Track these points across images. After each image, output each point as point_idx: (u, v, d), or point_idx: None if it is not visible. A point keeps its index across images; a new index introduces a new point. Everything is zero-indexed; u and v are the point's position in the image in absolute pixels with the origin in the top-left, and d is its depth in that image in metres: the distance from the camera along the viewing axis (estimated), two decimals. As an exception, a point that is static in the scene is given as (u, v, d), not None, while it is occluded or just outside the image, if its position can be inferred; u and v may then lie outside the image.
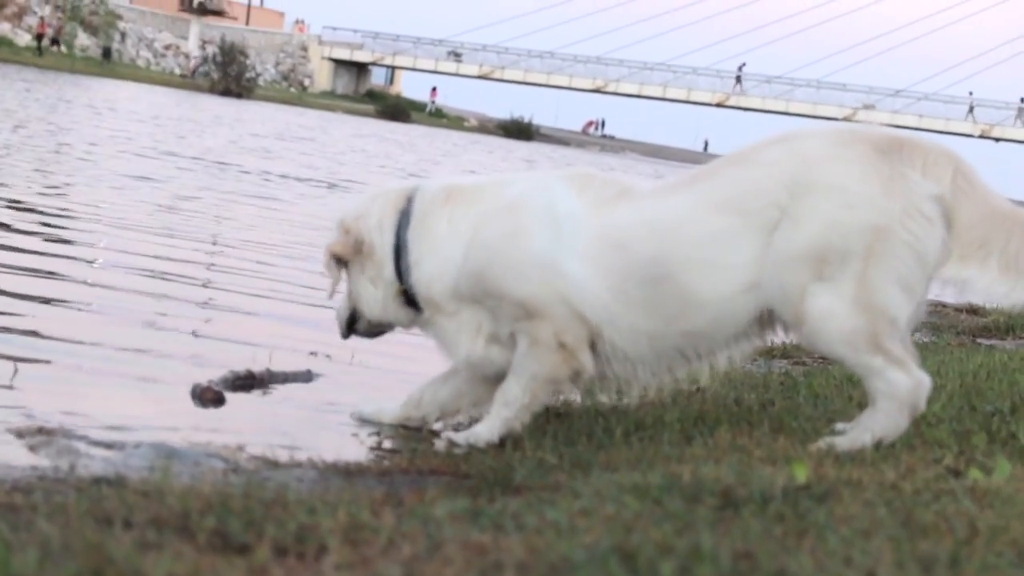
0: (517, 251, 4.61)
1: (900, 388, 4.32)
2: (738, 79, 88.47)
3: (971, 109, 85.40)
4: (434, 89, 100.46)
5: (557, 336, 4.58)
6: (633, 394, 4.87)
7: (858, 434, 4.35)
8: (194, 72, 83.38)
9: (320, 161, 25.70)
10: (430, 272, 4.79)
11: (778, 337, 4.74)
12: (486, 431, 4.72)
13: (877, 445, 4.28)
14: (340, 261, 4.91)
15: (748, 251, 4.39)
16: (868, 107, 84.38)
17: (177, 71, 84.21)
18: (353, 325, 5.05)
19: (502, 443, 4.60)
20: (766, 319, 4.52)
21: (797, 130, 4.55)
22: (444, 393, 5.03)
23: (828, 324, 4.31)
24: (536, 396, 4.69)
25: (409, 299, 4.88)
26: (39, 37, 75.20)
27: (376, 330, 5.08)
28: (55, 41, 75.96)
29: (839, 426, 4.56)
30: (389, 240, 4.86)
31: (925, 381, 4.38)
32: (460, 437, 4.73)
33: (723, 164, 4.56)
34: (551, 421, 4.96)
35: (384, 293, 4.89)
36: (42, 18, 76.59)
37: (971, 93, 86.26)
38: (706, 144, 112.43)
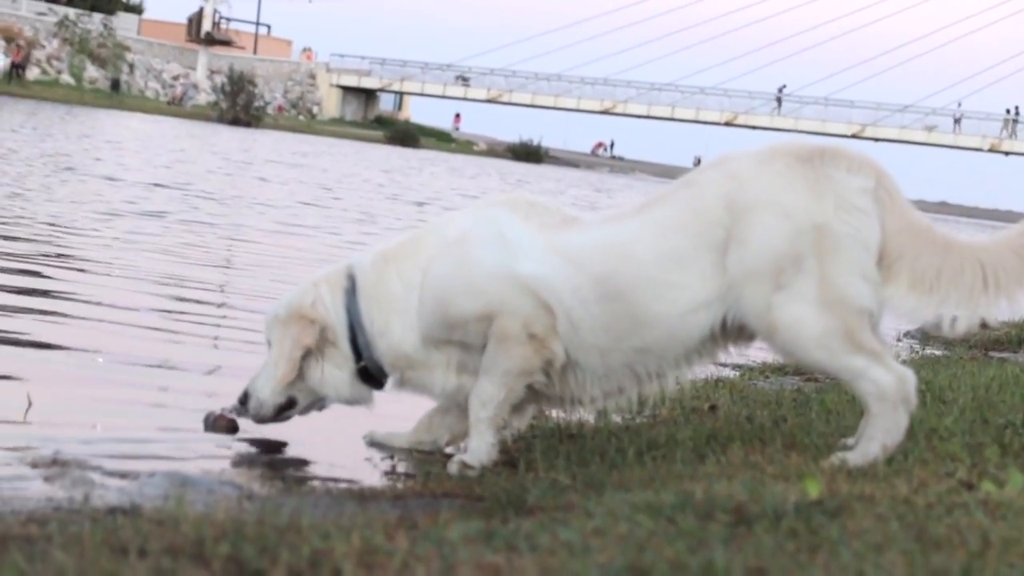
0: (469, 275, 4.72)
1: (887, 386, 4.38)
2: (779, 100, 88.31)
3: (957, 121, 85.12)
4: (458, 115, 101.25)
5: (527, 327, 4.65)
6: (582, 412, 4.99)
7: (865, 445, 4.38)
8: (180, 99, 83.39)
9: (332, 191, 25.74)
10: (400, 333, 4.88)
11: (729, 357, 4.78)
12: (477, 441, 4.76)
13: (890, 460, 4.28)
14: (307, 352, 4.96)
15: (697, 271, 4.52)
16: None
17: (186, 102, 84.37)
18: (284, 411, 5.07)
19: (515, 464, 4.62)
20: (717, 338, 4.61)
21: (730, 152, 4.68)
22: (451, 416, 5.08)
23: (800, 330, 4.39)
24: (512, 390, 4.73)
25: (366, 375, 4.98)
26: (15, 66, 74.67)
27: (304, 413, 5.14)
28: (21, 67, 75.11)
29: (848, 441, 4.56)
30: (343, 320, 4.95)
31: (908, 374, 4.44)
32: (466, 458, 4.74)
33: (674, 187, 4.70)
34: (564, 442, 4.98)
35: (349, 374, 4.98)
36: (18, 46, 76.12)
37: (959, 104, 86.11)
38: (698, 161, 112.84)
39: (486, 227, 4.77)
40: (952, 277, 4.44)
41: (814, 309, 4.37)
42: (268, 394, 5.01)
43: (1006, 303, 4.47)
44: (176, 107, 79.79)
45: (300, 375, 4.98)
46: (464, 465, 4.69)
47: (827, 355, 4.41)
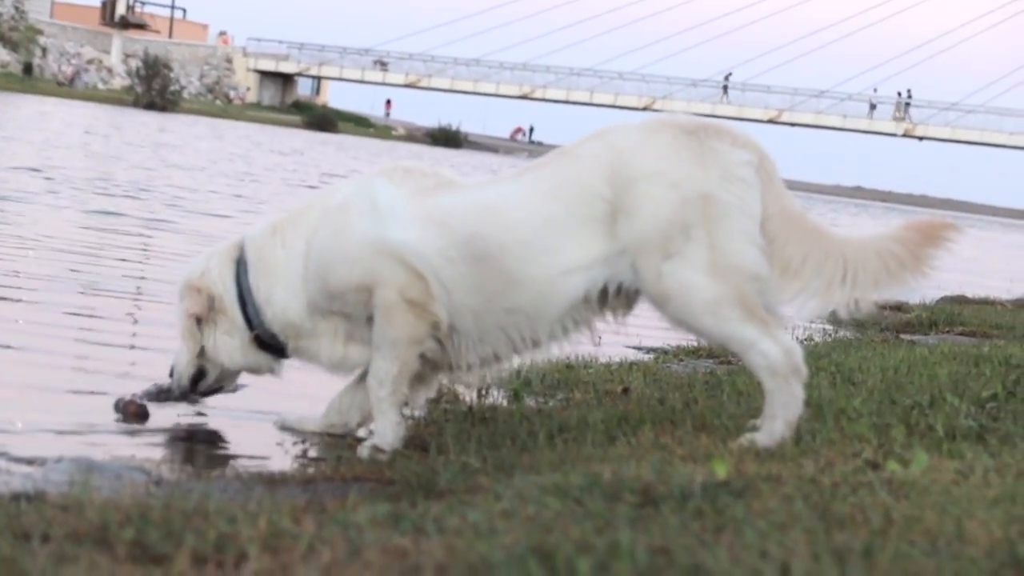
0: (344, 243, 4.79)
1: (775, 359, 4.43)
2: (724, 88, 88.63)
3: (873, 107, 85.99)
4: (388, 101, 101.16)
5: (403, 294, 4.69)
6: (465, 379, 5.08)
7: (770, 425, 4.43)
8: (72, 80, 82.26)
9: (236, 172, 25.58)
10: (283, 301, 4.96)
11: (609, 324, 4.79)
12: (381, 423, 4.79)
13: (798, 440, 4.33)
14: (199, 321, 5.04)
15: (572, 237, 4.56)
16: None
17: (100, 86, 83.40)
18: (197, 383, 5.14)
19: (426, 448, 4.61)
20: (594, 304, 4.65)
21: (612, 125, 4.73)
22: (360, 396, 5.06)
23: (691, 296, 4.44)
24: (404, 362, 4.76)
25: (262, 343, 5.04)
26: None
27: (217, 386, 5.20)
28: None
29: (756, 422, 4.60)
30: (232, 290, 5.04)
31: (794, 346, 4.50)
32: (376, 441, 4.74)
33: (549, 158, 4.74)
34: (476, 425, 4.98)
35: (241, 341, 5.05)
36: None
37: (875, 90, 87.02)
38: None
39: (362, 196, 4.83)
40: (815, 266, 4.52)
41: (705, 276, 4.42)
42: (183, 366, 5.10)
43: (859, 300, 4.53)
44: (69, 88, 78.54)
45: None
46: (375, 449, 4.68)
47: (717, 322, 4.45)
